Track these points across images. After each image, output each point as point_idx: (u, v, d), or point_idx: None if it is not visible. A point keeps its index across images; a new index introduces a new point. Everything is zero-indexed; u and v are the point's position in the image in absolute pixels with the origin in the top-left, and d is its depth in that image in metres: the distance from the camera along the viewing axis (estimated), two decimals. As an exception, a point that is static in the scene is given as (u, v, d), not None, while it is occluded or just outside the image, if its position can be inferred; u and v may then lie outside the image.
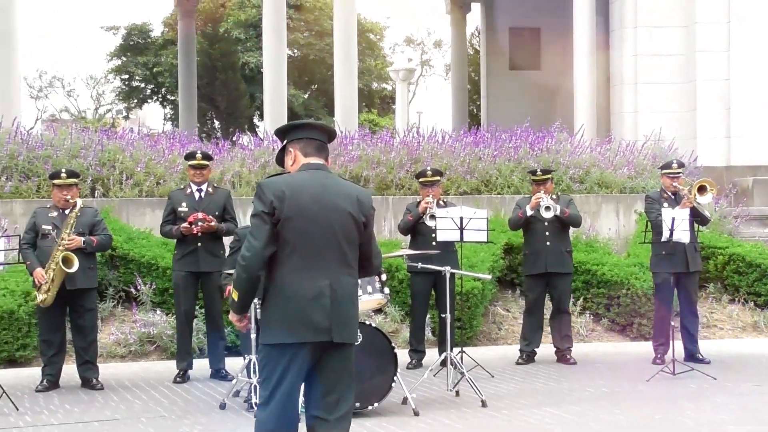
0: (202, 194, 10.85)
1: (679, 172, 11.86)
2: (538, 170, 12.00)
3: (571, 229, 12.16)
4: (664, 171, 11.95)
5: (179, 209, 10.75)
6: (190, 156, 11.17)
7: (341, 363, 5.73)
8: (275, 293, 5.64)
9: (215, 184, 11.46)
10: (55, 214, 10.37)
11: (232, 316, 5.83)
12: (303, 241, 5.62)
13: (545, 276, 11.68)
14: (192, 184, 10.95)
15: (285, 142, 5.92)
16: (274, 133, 6.22)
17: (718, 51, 18.17)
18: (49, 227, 10.28)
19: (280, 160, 5.99)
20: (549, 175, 11.89)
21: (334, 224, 5.68)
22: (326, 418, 5.69)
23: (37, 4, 61.56)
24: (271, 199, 5.58)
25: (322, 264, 5.65)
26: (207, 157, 11.20)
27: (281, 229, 5.59)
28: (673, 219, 10.89)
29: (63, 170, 10.65)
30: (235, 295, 5.70)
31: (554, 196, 11.68)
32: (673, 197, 11.59)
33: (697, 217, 11.32)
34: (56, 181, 10.45)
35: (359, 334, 8.82)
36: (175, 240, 10.85)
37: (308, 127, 5.97)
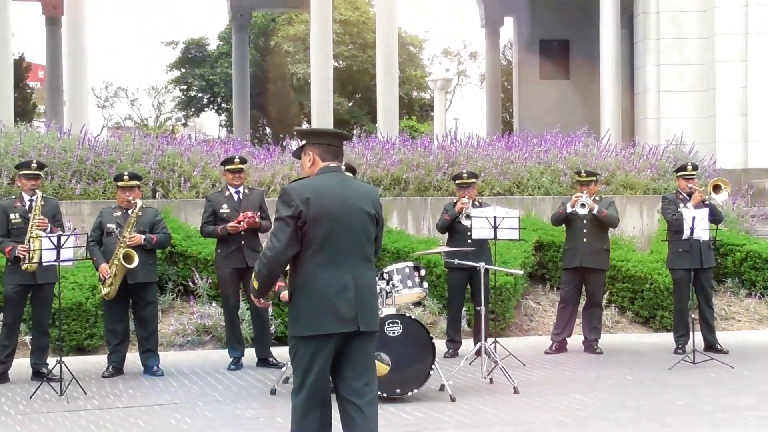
0: (240, 195, 10.89)
1: (693, 174, 11.81)
2: (583, 172, 11.94)
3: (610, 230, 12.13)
4: (680, 173, 11.91)
5: (220, 210, 10.78)
6: (227, 161, 11.22)
7: (366, 350, 5.83)
8: (303, 289, 5.72)
9: (249, 186, 11.49)
10: (118, 213, 10.44)
11: (253, 299, 6.05)
12: (327, 240, 5.70)
13: (580, 270, 11.65)
14: (230, 187, 11.00)
15: (304, 142, 5.98)
16: (295, 132, 6.30)
17: (736, 61, 18.06)
18: (113, 226, 10.35)
19: (298, 155, 6.08)
20: (593, 177, 11.83)
21: (355, 223, 5.77)
22: (358, 402, 5.77)
23: (104, 21, 62.15)
24: (296, 203, 5.65)
25: (346, 260, 5.73)
26: (243, 161, 11.27)
27: (307, 230, 5.68)
28: (694, 218, 10.85)
29: (126, 173, 10.72)
30: (255, 284, 5.86)
31: (597, 198, 11.66)
32: (688, 198, 11.53)
33: (713, 216, 11.28)
34: (120, 184, 10.53)
35: (399, 325, 8.89)
36: (217, 238, 10.90)
37: (328, 135, 6.07)
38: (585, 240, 11.56)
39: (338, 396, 5.80)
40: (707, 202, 11.35)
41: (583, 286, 11.94)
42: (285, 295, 9.44)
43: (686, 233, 10.91)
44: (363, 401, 5.74)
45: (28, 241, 9.81)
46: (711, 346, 11.48)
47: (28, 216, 9.95)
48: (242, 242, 10.60)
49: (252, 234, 10.70)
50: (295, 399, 5.78)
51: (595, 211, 11.43)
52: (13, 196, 10.53)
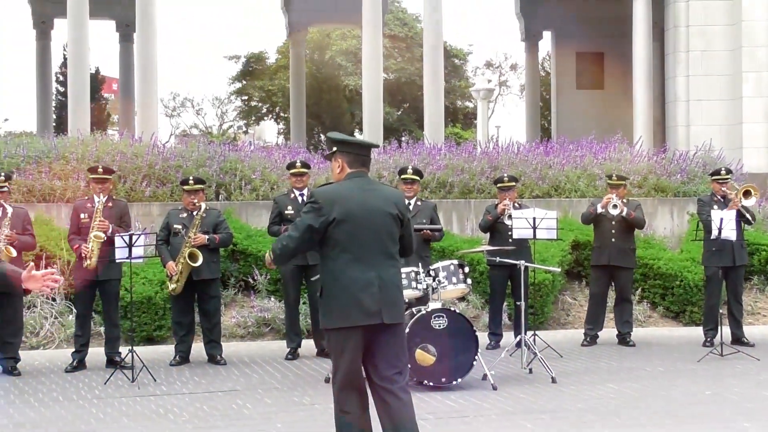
0: (304, 198, 10.91)
1: (727, 178, 11.74)
2: (614, 176, 11.88)
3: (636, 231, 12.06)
4: (714, 177, 11.83)
5: (286, 212, 10.84)
6: (291, 165, 11.28)
7: (395, 340, 5.88)
8: (331, 285, 5.80)
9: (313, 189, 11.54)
10: (184, 215, 10.53)
11: (267, 260, 6.20)
12: (352, 240, 5.78)
13: (609, 268, 11.61)
14: (294, 190, 11.05)
15: (335, 148, 6.03)
16: (327, 137, 6.33)
17: (762, 71, 17.85)
18: (180, 226, 10.44)
19: (329, 159, 6.16)
20: (623, 182, 11.81)
21: (377, 225, 5.84)
22: (391, 388, 5.84)
23: (172, 37, 62.66)
24: (322, 206, 5.77)
25: (370, 258, 5.80)
26: (305, 165, 11.31)
27: (332, 231, 5.79)
28: (722, 219, 10.79)
29: (191, 178, 10.80)
30: (269, 257, 6.10)
31: (625, 201, 11.61)
32: (722, 200, 11.47)
33: (743, 218, 11.24)
34: (185, 187, 10.62)
35: (445, 319, 8.89)
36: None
37: (357, 145, 6.13)
38: (613, 240, 11.53)
39: (371, 385, 5.87)
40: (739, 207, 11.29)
41: (612, 283, 11.91)
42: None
43: (714, 233, 10.87)
44: (396, 387, 5.82)
45: (89, 241, 9.94)
46: (738, 339, 11.42)
47: (94, 218, 10.08)
48: None
49: None
50: (333, 383, 5.92)
51: (624, 213, 11.39)
52: (86, 197, 10.65)
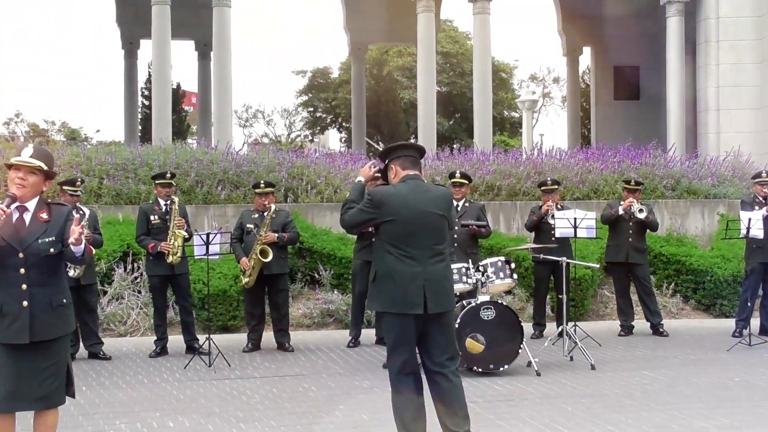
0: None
1: (767, 180, 11.54)
2: (632, 181, 11.84)
3: (661, 229, 11.95)
4: (756, 180, 11.63)
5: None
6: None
7: (444, 328, 5.90)
8: (382, 276, 5.87)
9: (370, 189, 11.51)
10: (256, 215, 10.59)
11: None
12: (401, 237, 5.83)
13: (626, 265, 11.62)
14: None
15: (387, 161, 6.11)
16: (378, 155, 6.35)
17: (787, 83, 17.62)
18: (252, 226, 10.51)
19: (385, 176, 6.20)
20: (640, 186, 11.77)
21: (426, 223, 5.87)
22: (443, 371, 5.86)
23: (245, 53, 63.20)
24: (377, 205, 5.86)
25: (417, 254, 5.83)
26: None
27: (383, 228, 5.87)
28: (749, 219, 10.64)
29: (262, 182, 10.86)
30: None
31: (642, 205, 11.54)
32: (763, 201, 11.29)
33: None
34: (257, 190, 10.68)
35: (493, 310, 8.86)
36: (356, 236, 10.97)
37: (404, 147, 6.19)
38: (630, 240, 11.52)
39: (426, 369, 5.91)
40: None
41: (631, 280, 11.85)
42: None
43: (742, 232, 10.72)
44: (447, 371, 5.85)
45: (171, 239, 10.05)
46: (766, 330, 11.22)
47: (165, 218, 10.18)
48: (373, 239, 10.59)
49: None
50: (390, 368, 5.95)
51: (644, 216, 11.37)
52: (151, 201, 10.72)
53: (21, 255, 5.04)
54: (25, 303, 5.03)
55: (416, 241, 5.80)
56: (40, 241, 5.08)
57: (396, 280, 5.76)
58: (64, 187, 10.16)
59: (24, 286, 5.05)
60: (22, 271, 5.05)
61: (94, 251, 9.94)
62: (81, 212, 9.86)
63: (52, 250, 5.11)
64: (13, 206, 5.04)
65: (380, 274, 5.86)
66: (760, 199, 11.38)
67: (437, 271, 5.84)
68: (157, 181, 10.54)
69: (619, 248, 11.58)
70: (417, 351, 5.88)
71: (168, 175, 10.52)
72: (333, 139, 48.89)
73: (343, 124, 42.36)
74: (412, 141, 6.03)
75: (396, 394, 5.87)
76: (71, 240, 5.00)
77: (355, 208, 5.99)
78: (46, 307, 5.10)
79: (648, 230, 11.74)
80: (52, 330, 5.12)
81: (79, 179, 10.43)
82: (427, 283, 5.75)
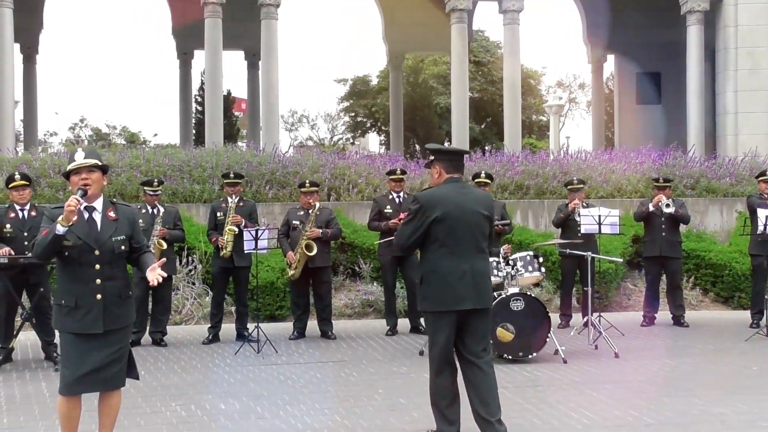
0: (401, 199, 10.93)
1: None
2: (661, 179, 11.74)
3: (682, 226, 11.81)
4: (760, 178, 11.51)
5: (385, 210, 10.87)
6: (391, 172, 11.29)
7: (483, 322, 5.89)
8: (430, 274, 5.81)
9: (408, 192, 11.50)
10: (301, 213, 10.62)
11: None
12: (449, 236, 5.78)
13: (660, 258, 11.43)
14: (393, 192, 11.05)
15: (432, 157, 6.02)
16: (426, 147, 6.31)
17: (803, 87, 17.38)
18: (298, 222, 10.54)
19: (428, 167, 6.14)
20: (669, 184, 11.64)
21: (471, 223, 5.83)
22: (477, 362, 5.86)
23: (290, 62, 63.41)
24: (425, 208, 5.78)
25: (463, 252, 5.79)
26: (403, 172, 11.31)
27: (431, 228, 5.79)
28: (767, 216, 10.52)
29: (307, 181, 10.89)
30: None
31: (671, 200, 11.42)
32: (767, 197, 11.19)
33: None
34: (303, 189, 10.71)
35: (522, 302, 8.82)
36: (379, 232, 10.99)
37: (452, 153, 6.14)
38: (663, 234, 11.38)
39: (461, 358, 5.89)
40: None
41: (663, 272, 11.70)
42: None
43: (760, 229, 10.61)
44: (481, 361, 5.83)
45: (225, 234, 10.13)
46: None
47: (227, 215, 10.26)
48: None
49: None
50: (430, 357, 5.93)
51: (672, 211, 11.23)
52: (221, 199, 10.82)
53: (96, 252, 5.11)
54: (98, 296, 5.10)
55: (462, 239, 5.76)
56: (113, 239, 5.17)
57: (443, 278, 5.72)
58: (144, 187, 10.29)
59: (98, 281, 5.12)
60: (97, 266, 5.12)
61: (165, 246, 10.04)
62: (157, 210, 10.04)
63: (123, 247, 5.22)
64: (82, 205, 5.10)
65: (427, 273, 5.82)
66: (766, 196, 11.28)
67: (481, 268, 5.82)
68: (224, 181, 10.65)
69: (654, 243, 11.45)
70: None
71: (232, 175, 10.61)
72: (373, 141, 48.89)
73: (382, 128, 42.35)
74: (458, 147, 5.96)
75: (434, 382, 5.87)
76: (150, 279, 5.17)
77: (403, 225, 5.93)
78: (116, 299, 5.18)
79: (681, 224, 11.63)
80: (120, 319, 5.20)
81: (157, 180, 10.52)
82: (474, 279, 5.73)
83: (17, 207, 9.06)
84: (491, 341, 6.07)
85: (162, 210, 10.19)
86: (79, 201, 5.00)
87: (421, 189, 14.53)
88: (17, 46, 20.37)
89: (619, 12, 23.69)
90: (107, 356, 5.14)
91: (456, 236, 5.76)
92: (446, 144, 6.46)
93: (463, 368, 5.86)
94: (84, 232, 5.09)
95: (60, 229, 4.94)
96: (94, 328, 5.09)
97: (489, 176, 10.99)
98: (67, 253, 5.07)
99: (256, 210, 10.87)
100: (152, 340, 10.18)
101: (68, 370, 5.10)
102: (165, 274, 5.20)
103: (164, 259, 5.46)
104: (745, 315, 11.68)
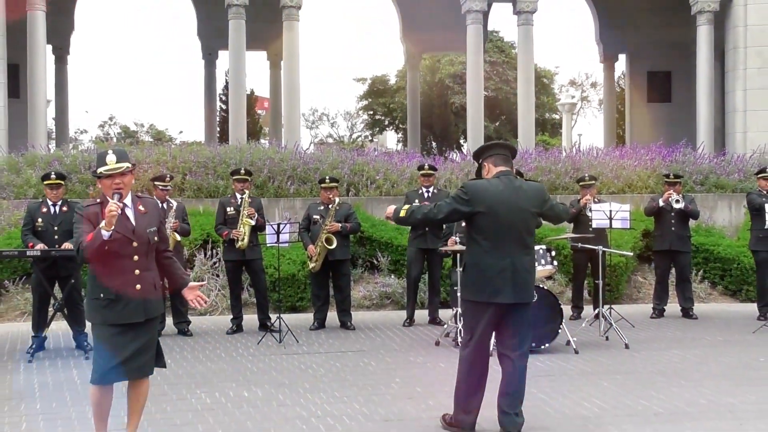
0: (429, 194, 10.92)
1: None
2: (671, 175, 11.69)
3: (691, 220, 11.75)
4: (760, 175, 11.49)
5: (414, 203, 10.86)
6: (421, 167, 11.30)
7: (521, 316, 5.81)
8: (473, 266, 5.77)
9: (438, 188, 11.45)
10: (321, 208, 10.64)
11: (388, 216, 6.07)
12: (492, 230, 5.71)
13: (669, 252, 11.39)
14: (423, 187, 11.05)
15: (480, 160, 5.96)
16: (472, 155, 6.25)
17: (810, 85, 17.23)
18: (318, 217, 10.56)
19: (479, 174, 6.06)
20: (679, 180, 11.58)
21: (516, 219, 5.75)
22: (510, 355, 5.81)
23: (311, 62, 63.45)
24: (471, 198, 5.71)
25: (506, 246, 5.71)
26: (433, 168, 11.30)
27: (475, 220, 5.74)
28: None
29: (327, 177, 10.90)
30: (402, 213, 5.95)
31: (681, 195, 11.37)
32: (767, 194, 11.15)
33: None
34: (323, 185, 10.72)
35: (535, 294, 8.80)
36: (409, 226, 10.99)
37: (496, 146, 6.06)
38: (673, 228, 11.33)
39: (497, 351, 5.88)
40: None
41: (673, 266, 11.65)
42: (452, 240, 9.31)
43: (767, 224, 10.57)
44: (514, 354, 5.79)
45: (241, 227, 10.15)
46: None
47: (239, 209, 10.27)
48: (427, 228, 10.58)
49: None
50: (463, 351, 5.88)
51: (682, 206, 11.17)
52: (229, 195, 10.83)
53: (135, 244, 5.16)
54: (138, 286, 5.14)
55: (506, 235, 5.70)
56: (147, 230, 5.22)
57: (484, 271, 5.68)
58: (156, 183, 10.31)
59: (137, 272, 5.16)
60: (136, 258, 5.17)
61: (180, 239, 10.10)
62: (169, 204, 10.07)
63: (156, 238, 5.28)
64: (120, 210, 5.13)
65: (469, 264, 5.80)
66: (765, 192, 11.23)
67: (523, 264, 5.75)
68: (234, 177, 10.66)
69: (663, 237, 11.42)
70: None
71: (242, 171, 10.64)
72: (390, 139, 48.88)
73: (400, 125, 42.33)
74: (502, 141, 5.90)
75: (462, 372, 5.84)
76: (190, 298, 5.34)
77: (444, 202, 5.84)
78: (152, 288, 5.23)
79: (691, 219, 11.59)
80: (155, 309, 5.26)
81: (169, 176, 10.57)
82: (513, 274, 5.67)
83: (50, 202, 9.15)
84: (530, 338, 6.00)
85: (175, 204, 10.22)
86: (119, 206, 5.05)
87: (437, 184, 14.53)
88: (49, 47, 20.51)
89: (630, 12, 23.57)
90: (137, 346, 5.17)
91: (499, 232, 5.69)
92: (462, 143, 6.40)
93: (499, 359, 5.85)
94: (122, 226, 5.12)
95: (105, 234, 5.00)
96: (135, 317, 5.13)
97: (518, 173, 10.88)
98: (107, 248, 5.08)
99: (262, 206, 10.84)
100: (177, 330, 10.23)
101: (103, 360, 5.13)
102: (206, 298, 5.30)
103: (204, 282, 5.47)
104: (753, 308, 11.59)
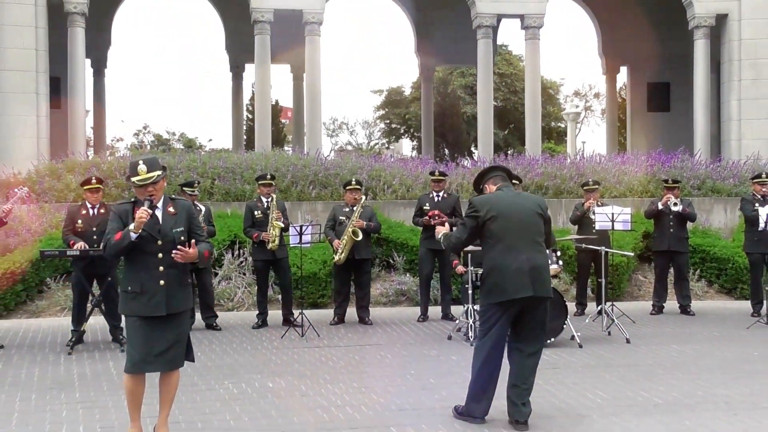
0: (439, 198, 10.91)
1: (766, 181, 11.28)
2: (670, 180, 11.66)
3: (689, 223, 11.67)
4: (755, 180, 11.43)
5: (424, 207, 10.86)
6: (432, 173, 11.28)
7: (539, 311, 5.82)
8: (491, 268, 5.78)
9: (448, 192, 11.45)
10: (346, 209, 10.64)
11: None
12: (505, 232, 5.74)
13: (668, 253, 11.34)
14: (433, 192, 11.03)
15: (480, 186, 6.09)
16: (474, 185, 6.26)
17: (801, 96, 17.08)
18: (343, 217, 10.57)
19: (478, 186, 6.18)
20: (677, 184, 11.55)
21: (526, 219, 5.78)
22: (523, 349, 5.80)
23: (332, 74, 63.52)
24: (478, 209, 5.79)
25: (520, 246, 5.73)
26: (443, 174, 11.28)
27: (488, 227, 5.77)
28: (767, 214, 10.42)
29: (353, 180, 10.91)
30: (444, 244, 6.16)
31: (679, 199, 11.32)
32: (762, 198, 11.05)
33: None
34: (348, 187, 10.73)
35: (551, 291, 8.78)
36: (421, 227, 10.98)
37: (492, 170, 6.16)
38: (672, 230, 11.29)
39: (509, 344, 5.86)
40: None
41: (671, 265, 11.59)
42: (460, 269, 9.48)
43: (761, 226, 10.52)
44: (529, 350, 5.79)
45: (270, 229, 10.15)
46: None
47: (266, 212, 10.29)
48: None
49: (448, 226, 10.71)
50: (479, 344, 5.89)
51: (680, 209, 11.13)
52: (255, 199, 10.85)
53: (159, 242, 5.20)
54: (162, 282, 5.18)
55: (518, 234, 5.72)
56: (174, 230, 5.25)
57: (502, 271, 5.67)
58: (184, 188, 10.34)
59: (161, 268, 5.19)
60: (160, 255, 5.20)
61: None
62: (198, 208, 10.11)
63: (182, 237, 5.29)
64: (150, 213, 5.20)
65: (487, 269, 5.80)
66: (759, 196, 11.16)
67: (538, 260, 5.75)
68: (259, 182, 10.67)
69: (663, 238, 11.38)
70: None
71: (268, 177, 10.66)
72: (406, 146, 48.77)
73: (414, 134, 42.25)
74: (498, 164, 5.91)
75: (475, 366, 5.83)
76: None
77: (461, 226, 5.93)
78: (177, 285, 5.25)
79: (688, 221, 11.53)
80: (180, 303, 5.27)
81: (196, 181, 10.61)
82: (531, 270, 5.67)
83: (89, 205, 9.21)
84: (546, 332, 6.01)
85: (203, 209, 10.26)
86: (148, 213, 5.14)
87: (449, 189, 14.51)
88: (88, 61, 20.61)
89: (631, 27, 23.44)
90: (168, 339, 5.21)
91: (512, 232, 5.71)
92: (473, 150, 6.39)
93: (509, 353, 5.84)
94: (149, 225, 5.19)
95: (133, 236, 5.11)
96: (157, 311, 5.15)
97: (517, 177, 10.84)
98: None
99: (286, 208, 10.85)
100: (206, 325, 10.25)
101: (134, 350, 5.17)
102: (188, 252, 5.15)
103: (196, 249, 5.36)
104: (747, 305, 11.53)
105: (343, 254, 10.35)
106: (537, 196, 6.11)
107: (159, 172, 5.25)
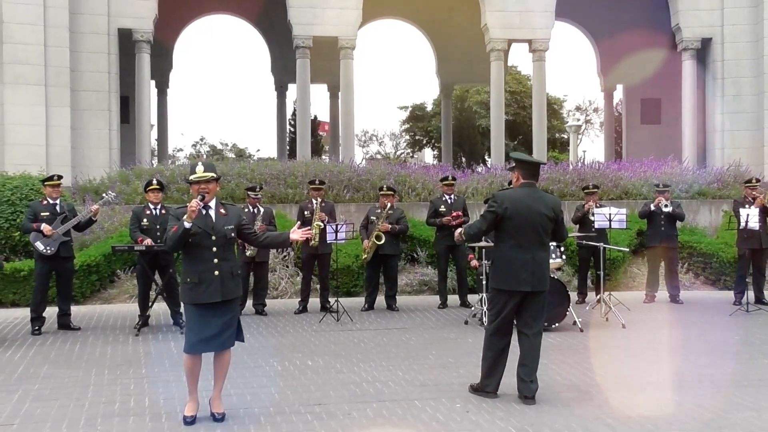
0: (452, 200, 10.86)
1: (756, 185, 11.13)
2: (661, 184, 11.53)
3: (678, 222, 11.52)
4: (746, 184, 11.26)
5: (439, 209, 10.81)
6: (444, 178, 11.22)
7: (538, 302, 5.79)
8: (500, 260, 5.76)
9: (457, 195, 11.39)
10: (379, 210, 10.63)
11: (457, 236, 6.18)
12: (516, 231, 5.70)
13: (659, 248, 11.24)
14: (446, 195, 10.98)
15: (514, 164, 5.95)
16: (511, 156, 6.18)
17: (779, 109, 16.79)
18: (374, 218, 10.56)
19: (512, 170, 6.04)
20: (667, 188, 11.43)
21: (536, 222, 5.74)
22: (528, 332, 5.77)
23: (364, 92, 63.68)
24: (500, 204, 5.73)
25: (527, 244, 5.70)
26: (454, 178, 11.22)
27: (503, 223, 5.72)
28: (748, 215, 10.28)
29: (385, 185, 10.89)
30: (460, 236, 6.09)
31: (669, 201, 11.20)
32: (751, 201, 10.89)
33: (766, 213, 10.66)
34: (381, 192, 10.72)
35: (548, 284, 8.71)
36: (436, 227, 10.93)
37: (528, 163, 6.00)
38: (663, 228, 11.17)
39: (517, 329, 5.83)
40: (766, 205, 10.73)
41: (662, 260, 11.45)
42: (475, 263, 9.42)
43: (742, 225, 10.37)
44: (531, 332, 5.76)
45: (313, 227, 10.17)
46: (759, 300, 10.84)
47: (313, 212, 10.30)
48: (452, 230, 10.53)
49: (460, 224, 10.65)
50: (488, 328, 5.88)
51: (670, 210, 11.02)
52: (307, 200, 10.86)
53: (213, 238, 5.23)
54: (216, 272, 5.20)
55: (527, 234, 5.69)
56: (225, 227, 5.28)
57: (509, 263, 5.67)
58: (248, 192, 10.40)
59: (215, 260, 5.22)
60: (214, 249, 5.23)
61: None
62: (258, 210, 10.14)
63: (233, 234, 5.33)
64: (201, 207, 5.24)
65: (497, 259, 5.79)
66: (749, 199, 11.00)
67: (541, 258, 5.74)
68: (311, 186, 10.70)
69: (655, 236, 11.28)
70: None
71: (317, 181, 10.66)
72: (428, 155, 48.63)
73: (435, 144, 42.14)
74: (536, 159, 5.79)
75: (487, 347, 5.85)
76: (298, 237, 5.49)
77: (483, 217, 5.86)
78: (229, 275, 5.26)
79: (677, 220, 11.38)
80: (232, 291, 5.28)
81: (259, 185, 10.65)
82: (533, 267, 5.66)
83: (152, 206, 9.27)
84: (542, 318, 5.95)
85: (262, 210, 10.30)
86: (198, 203, 5.18)
87: (466, 192, 14.46)
88: (153, 82, 20.81)
89: (626, 49, 23.22)
90: (221, 323, 5.23)
91: (522, 232, 5.68)
92: (523, 155, 6.38)
93: (518, 336, 5.82)
94: (203, 223, 5.23)
95: (186, 224, 5.14)
96: (213, 298, 5.17)
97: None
98: (191, 240, 5.21)
99: (335, 209, 10.90)
100: (255, 310, 10.30)
101: (192, 333, 5.20)
102: (311, 233, 5.29)
103: (308, 228, 5.61)
104: (730, 295, 11.37)
105: (369, 254, 10.34)
106: (553, 198, 5.97)
107: (213, 174, 5.30)
